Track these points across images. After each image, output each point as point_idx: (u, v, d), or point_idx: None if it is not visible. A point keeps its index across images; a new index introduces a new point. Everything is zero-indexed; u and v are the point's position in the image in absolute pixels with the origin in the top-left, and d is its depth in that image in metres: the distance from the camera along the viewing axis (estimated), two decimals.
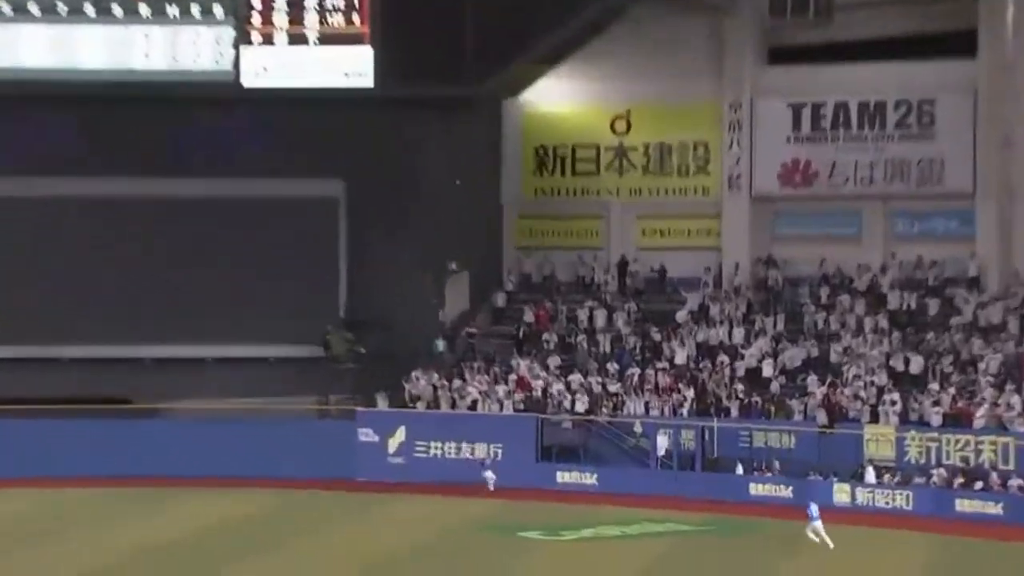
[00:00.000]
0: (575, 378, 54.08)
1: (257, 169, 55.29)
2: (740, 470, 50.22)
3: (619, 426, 52.46)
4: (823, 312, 55.13)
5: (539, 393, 53.72)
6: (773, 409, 51.50)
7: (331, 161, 55.51)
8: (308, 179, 55.82)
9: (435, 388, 54.46)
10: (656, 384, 53.38)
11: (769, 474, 49.64)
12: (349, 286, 57.67)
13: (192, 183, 55.75)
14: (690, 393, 52.71)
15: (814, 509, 41.32)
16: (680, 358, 54.70)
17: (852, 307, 54.99)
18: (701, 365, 54.01)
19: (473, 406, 53.83)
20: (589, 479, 51.54)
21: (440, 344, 57.12)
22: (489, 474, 50.83)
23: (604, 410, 52.87)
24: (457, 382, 54.66)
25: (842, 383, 51.40)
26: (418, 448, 53.04)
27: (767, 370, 53.30)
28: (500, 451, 51.85)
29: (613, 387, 53.59)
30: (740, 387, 52.50)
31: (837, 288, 56.05)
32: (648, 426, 51.75)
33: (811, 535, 40.86)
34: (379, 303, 55.86)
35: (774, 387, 52.50)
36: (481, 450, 52.26)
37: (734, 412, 51.84)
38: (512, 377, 54.55)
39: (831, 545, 40.45)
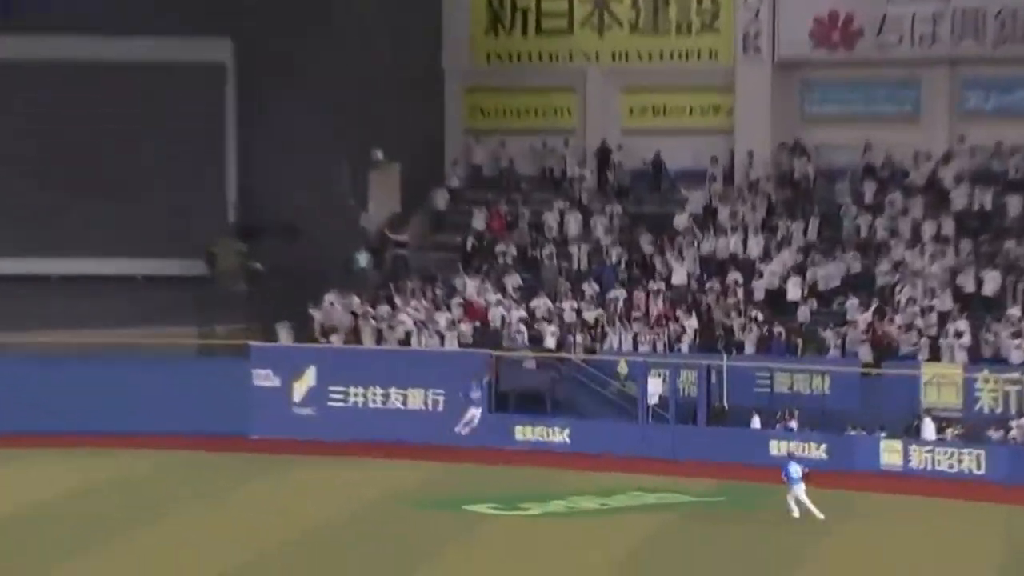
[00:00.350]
0: (540, 303, 54.36)
1: (117, 25, 55.40)
2: (757, 423, 50.62)
3: (598, 366, 52.71)
4: (867, 215, 55.39)
5: (495, 323, 53.78)
6: (801, 343, 51.90)
7: (216, 15, 55.60)
8: (186, 38, 56.27)
9: (355, 316, 54.72)
10: (647, 311, 53.52)
11: (795, 428, 49.79)
12: (240, 181, 57.97)
13: (26, 42, 55.93)
14: (692, 323, 53.02)
15: (794, 469, 41.32)
16: (679, 277, 55.01)
17: (906, 208, 55.10)
18: (706, 286, 54.31)
19: (406, 340, 54.25)
20: (558, 436, 51.79)
21: (362, 258, 57.64)
22: (474, 413, 49.74)
23: (578, 344, 52.76)
24: (385, 308, 54.83)
25: (893, 309, 51.63)
26: (333, 395, 53.43)
27: (793, 292, 53.60)
28: (441, 399, 52.10)
29: (591, 315, 53.63)
30: (758, 314, 52.60)
31: (886, 183, 56.21)
32: (637, 366, 51.80)
33: (792, 504, 41.11)
34: (280, 204, 56.18)
35: (803, 314, 52.75)
36: (417, 397, 52.66)
37: (749, 348, 52.28)
38: (457, 302, 54.83)
39: (821, 516, 40.73)
